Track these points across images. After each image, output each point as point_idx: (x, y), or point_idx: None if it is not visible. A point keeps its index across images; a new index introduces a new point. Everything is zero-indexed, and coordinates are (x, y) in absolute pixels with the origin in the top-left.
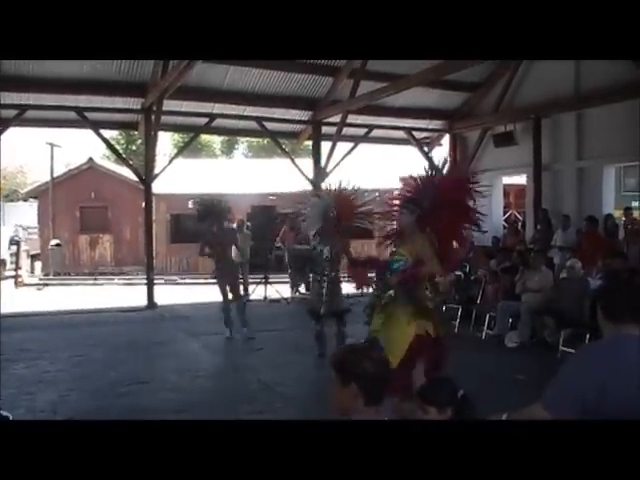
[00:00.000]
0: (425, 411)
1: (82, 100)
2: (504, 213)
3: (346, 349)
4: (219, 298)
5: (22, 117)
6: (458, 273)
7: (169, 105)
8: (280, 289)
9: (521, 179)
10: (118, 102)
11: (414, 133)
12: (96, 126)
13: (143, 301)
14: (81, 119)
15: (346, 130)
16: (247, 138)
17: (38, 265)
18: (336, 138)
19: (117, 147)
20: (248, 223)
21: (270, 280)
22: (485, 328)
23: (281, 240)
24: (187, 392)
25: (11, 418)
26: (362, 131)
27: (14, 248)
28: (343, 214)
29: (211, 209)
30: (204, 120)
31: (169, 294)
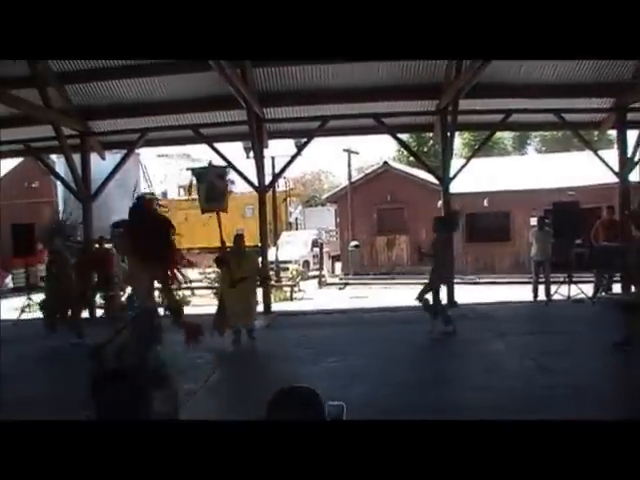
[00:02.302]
0: None
1: (380, 106)
2: None
3: None
4: (516, 297)
5: (324, 128)
6: None
7: (464, 104)
8: (584, 289)
9: None
10: (413, 105)
11: None
12: (392, 130)
13: (442, 300)
14: (378, 125)
15: None
16: (540, 132)
17: (338, 265)
18: None
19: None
20: (547, 220)
21: (574, 279)
22: None
23: (593, 237)
24: (493, 392)
25: (345, 408)
26: None
27: (317, 250)
28: None
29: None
30: (499, 117)
31: (467, 293)
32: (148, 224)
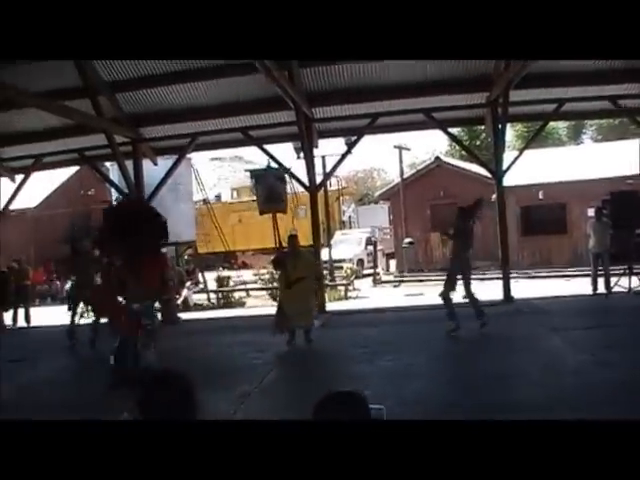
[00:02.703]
0: None
1: (429, 101)
2: None
3: None
4: (575, 291)
5: (374, 125)
6: None
7: (514, 95)
8: None
9: None
10: (463, 99)
11: None
12: (443, 125)
13: (498, 295)
14: (429, 120)
15: None
16: (595, 121)
17: (393, 263)
18: None
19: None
20: (605, 210)
21: (635, 271)
22: None
23: None
24: (552, 389)
25: (385, 411)
26: None
27: (371, 248)
28: None
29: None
30: (552, 106)
31: (523, 287)
32: (115, 227)
